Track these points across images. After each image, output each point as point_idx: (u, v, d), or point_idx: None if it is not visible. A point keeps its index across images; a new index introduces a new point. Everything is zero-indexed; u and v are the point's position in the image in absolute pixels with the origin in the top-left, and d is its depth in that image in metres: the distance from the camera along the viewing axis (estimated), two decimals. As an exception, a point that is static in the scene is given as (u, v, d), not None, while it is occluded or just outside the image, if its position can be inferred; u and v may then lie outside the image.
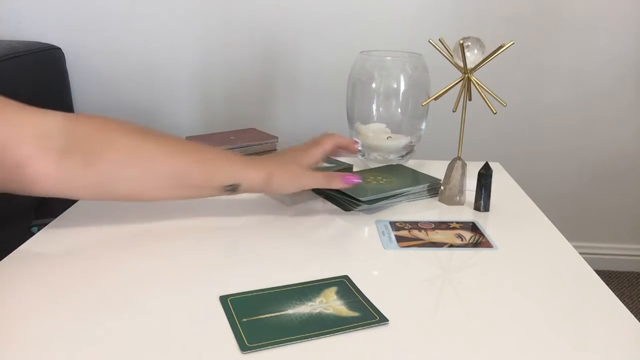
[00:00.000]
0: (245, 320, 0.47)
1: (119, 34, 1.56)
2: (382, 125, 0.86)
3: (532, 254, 0.61)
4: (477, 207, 0.72)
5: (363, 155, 0.87)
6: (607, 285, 0.54)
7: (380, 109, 0.86)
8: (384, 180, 0.76)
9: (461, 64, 0.71)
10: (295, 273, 0.55)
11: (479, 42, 0.70)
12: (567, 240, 0.64)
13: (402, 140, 0.86)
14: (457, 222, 0.69)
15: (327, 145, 0.71)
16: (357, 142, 0.79)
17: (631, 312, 0.50)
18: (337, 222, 0.68)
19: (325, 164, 0.80)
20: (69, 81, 1.55)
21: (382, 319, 0.47)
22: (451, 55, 0.72)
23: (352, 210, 0.70)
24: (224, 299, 0.50)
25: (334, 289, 0.52)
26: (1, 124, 0.54)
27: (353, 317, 0.47)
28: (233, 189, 0.63)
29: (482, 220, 0.70)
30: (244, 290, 0.51)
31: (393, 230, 0.66)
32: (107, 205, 0.70)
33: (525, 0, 1.51)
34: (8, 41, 1.41)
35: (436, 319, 0.48)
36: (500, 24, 1.53)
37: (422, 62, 0.85)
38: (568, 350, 0.44)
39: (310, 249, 0.61)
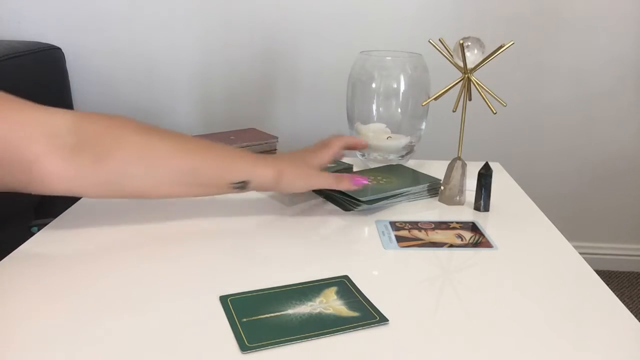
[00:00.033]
0: (245, 320, 0.47)
1: (119, 34, 1.56)
2: (382, 125, 0.86)
3: (532, 254, 0.61)
4: (477, 207, 0.72)
5: (363, 155, 0.87)
6: (607, 285, 0.54)
7: (380, 109, 0.86)
8: (384, 180, 0.76)
9: (461, 64, 0.71)
10: (295, 273, 0.55)
11: (479, 42, 0.70)
12: (567, 240, 0.64)
13: (402, 140, 0.86)
14: (457, 222, 0.69)
15: (336, 148, 0.72)
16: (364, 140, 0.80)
17: (631, 312, 0.50)
18: (337, 222, 0.68)
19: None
20: (69, 81, 1.55)
21: (382, 319, 0.47)
22: (451, 55, 0.72)
23: (352, 210, 0.70)
24: (224, 299, 0.50)
25: (334, 289, 0.52)
26: (11, 122, 0.54)
27: (353, 317, 0.47)
28: (243, 186, 0.63)
29: (482, 220, 0.70)
30: (244, 290, 0.51)
31: (393, 230, 0.66)
32: (107, 205, 0.70)
33: (525, 0, 1.51)
34: (8, 41, 1.41)
35: (436, 319, 0.48)
36: (500, 24, 1.53)
37: (422, 62, 0.85)
38: (568, 350, 0.44)
39: (310, 249, 0.61)
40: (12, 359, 0.42)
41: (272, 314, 0.48)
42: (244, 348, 0.43)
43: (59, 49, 1.51)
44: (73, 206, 0.71)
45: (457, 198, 0.74)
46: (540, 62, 1.56)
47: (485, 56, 0.70)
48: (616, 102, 1.59)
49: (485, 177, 0.71)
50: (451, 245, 0.62)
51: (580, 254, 0.61)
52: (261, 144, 0.91)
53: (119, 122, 0.60)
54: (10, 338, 0.44)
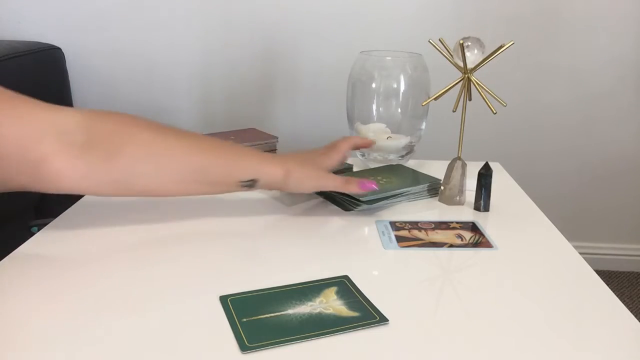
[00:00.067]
0: (245, 320, 0.47)
1: (119, 33, 1.56)
2: (382, 125, 0.86)
3: (532, 254, 0.61)
4: (477, 207, 0.72)
5: (363, 155, 0.87)
6: (607, 285, 0.54)
7: (380, 109, 0.86)
8: (384, 180, 0.76)
9: (461, 64, 0.71)
10: (295, 273, 0.55)
11: (479, 42, 0.70)
12: (567, 240, 0.64)
13: (402, 140, 0.86)
14: (457, 222, 0.69)
15: (345, 151, 0.72)
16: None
17: (631, 312, 0.50)
18: (337, 222, 0.68)
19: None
20: (69, 81, 1.55)
21: (382, 319, 0.47)
22: (451, 55, 0.72)
23: (352, 210, 0.70)
24: (224, 299, 0.50)
25: (334, 289, 0.52)
26: (21, 121, 0.54)
27: (353, 317, 0.47)
28: (251, 184, 0.64)
29: (482, 220, 0.70)
30: (244, 290, 0.51)
31: (393, 230, 0.66)
32: (107, 205, 0.70)
33: (525, 0, 1.51)
34: (8, 41, 1.41)
35: (436, 319, 0.48)
36: (500, 24, 1.53)
37: (422, 62, 0.85)
38: (568, 350, 0.44)
39: (310, 249, 0.61)
40: (12, 359, 0.42)
41: (272, 314, 0.48)
42: (244, 348, 0.43)
43: (59, 49, 1.51)
44: (73, 206, 0.71)
45: (457, 198, 0.74)
46: (540, 62, 1.56)
47: (485, 56, 0.70)
48: (616, 102, 1.59)
49: (485, 177, 0.71)
50: (451, 245, 0.62)
51: (580, 254, 0.61)
52: (261, 144, 0.91)
53: (129, 120, 0.60)
54: (10, 338, 0.44)
